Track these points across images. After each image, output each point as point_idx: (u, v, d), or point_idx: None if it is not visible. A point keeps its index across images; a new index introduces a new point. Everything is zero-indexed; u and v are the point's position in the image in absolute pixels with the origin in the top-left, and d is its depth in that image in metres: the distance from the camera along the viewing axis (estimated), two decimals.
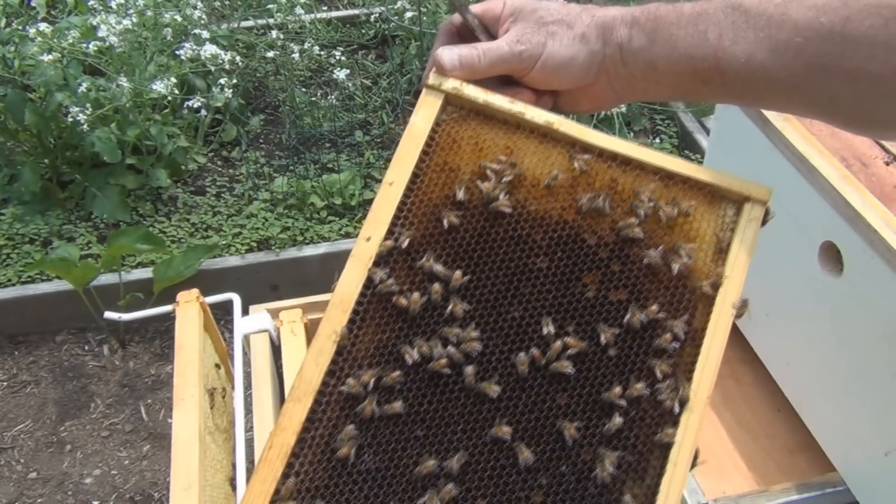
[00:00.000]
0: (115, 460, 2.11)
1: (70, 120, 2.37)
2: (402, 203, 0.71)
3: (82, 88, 2.37)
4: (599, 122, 2.68)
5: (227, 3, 3.24)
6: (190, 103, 2.58)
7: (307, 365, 0.66)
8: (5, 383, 2.30)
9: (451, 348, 0.67)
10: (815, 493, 1.17)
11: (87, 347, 2.40)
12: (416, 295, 0.68)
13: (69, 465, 2.10)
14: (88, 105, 2.37)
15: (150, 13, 2.54)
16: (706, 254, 0.72)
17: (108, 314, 1.40)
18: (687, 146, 2.83)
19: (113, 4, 2.49)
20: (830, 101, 0.61)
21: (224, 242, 2.48)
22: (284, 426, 0.64)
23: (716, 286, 0.70)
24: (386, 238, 0.70)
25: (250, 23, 3.17)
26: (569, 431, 0.65)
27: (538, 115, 0.74)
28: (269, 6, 2.99)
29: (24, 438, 2.16)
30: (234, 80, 2.71)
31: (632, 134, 2.83)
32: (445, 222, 0.70)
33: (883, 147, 1.13)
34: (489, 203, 0.71)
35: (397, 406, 0.65)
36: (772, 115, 1.17)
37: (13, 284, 2.37)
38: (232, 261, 2.43)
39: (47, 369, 2.33)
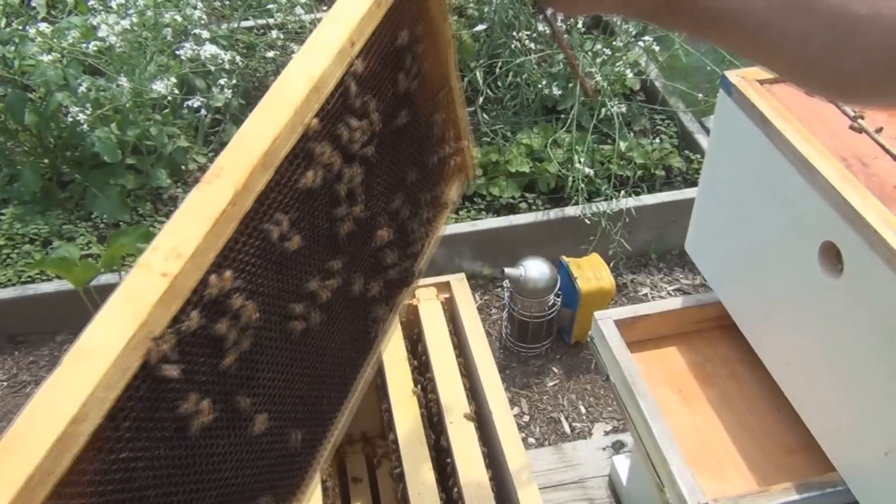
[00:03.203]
0: None
1: (70, 120, 2.37)
2: None
3: (82, 88, 2.37)
4: (599, 121, 2.68)
5: (227, 3, 3.23)
6: (190, 103, 2.58)
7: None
8: (5, 383, 2.30)
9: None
10: (815, 492, 1.17)
11: None
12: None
13: None
14: (88, 105, 2.37)
15: (150, 13, 2.54)
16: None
17: None
18: (687, 146, 2.83)
19: (113, 4, 2.49)
20: (800, 42, 0.60)
21: None
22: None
23: None
24: None
25: (250, 23, 3.16)
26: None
27: None
28: (269, 6, 2.99)
29: None
30: (234, 80, 2.71)
31: (631, 134, 2.83)
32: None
33: (880, 145, 1.13)
34: None
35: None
36: (772, 115, 1.17)
37: (13, 284, 2.37)
38: None
39: (47, 369, 2.33)
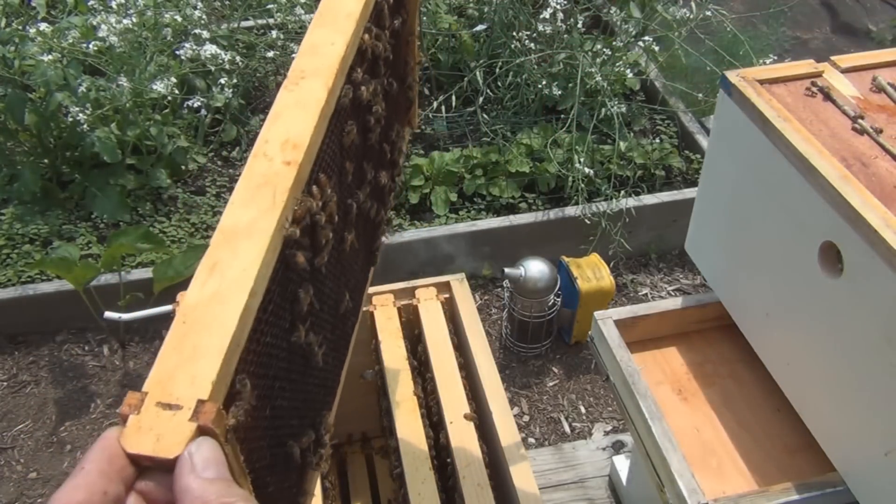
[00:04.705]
0: None
1: (70, 120, 2.37)
2: None
3: (82, 88, 2.37)
4: (599, 121, 2.68)
5: (227, 3, 3.23)
6: (190, 103, 2.58)
7: None
8: (5, 383, 2.30)
9: None
10: (815, 492, 1.17)
11: (87, 347, 2.40)
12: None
13: (69, 465, 2.09)
14: (88, 105, 2.37)
15: (150, 13, 2.54)
16: None
17: (108, 314, 1.40)
18: (687, 146, 2.83)
19: (113, 4, 2.49)
20: None
21: None
22: None
23: None
24: None
25: (250, 23, 3.17)
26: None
27: None
28: (269, 6, 2.99)
29: (24, 438, 2.16)
30: (234, 80, 2.71)
31: (631, 134, 2.83)
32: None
33: (880, 145, 1.13)
34: None
35: None
36: (772, 115, 1.17)
37: (13, 284, 2.37)
38: None
39: (47, 369, 2.33)
